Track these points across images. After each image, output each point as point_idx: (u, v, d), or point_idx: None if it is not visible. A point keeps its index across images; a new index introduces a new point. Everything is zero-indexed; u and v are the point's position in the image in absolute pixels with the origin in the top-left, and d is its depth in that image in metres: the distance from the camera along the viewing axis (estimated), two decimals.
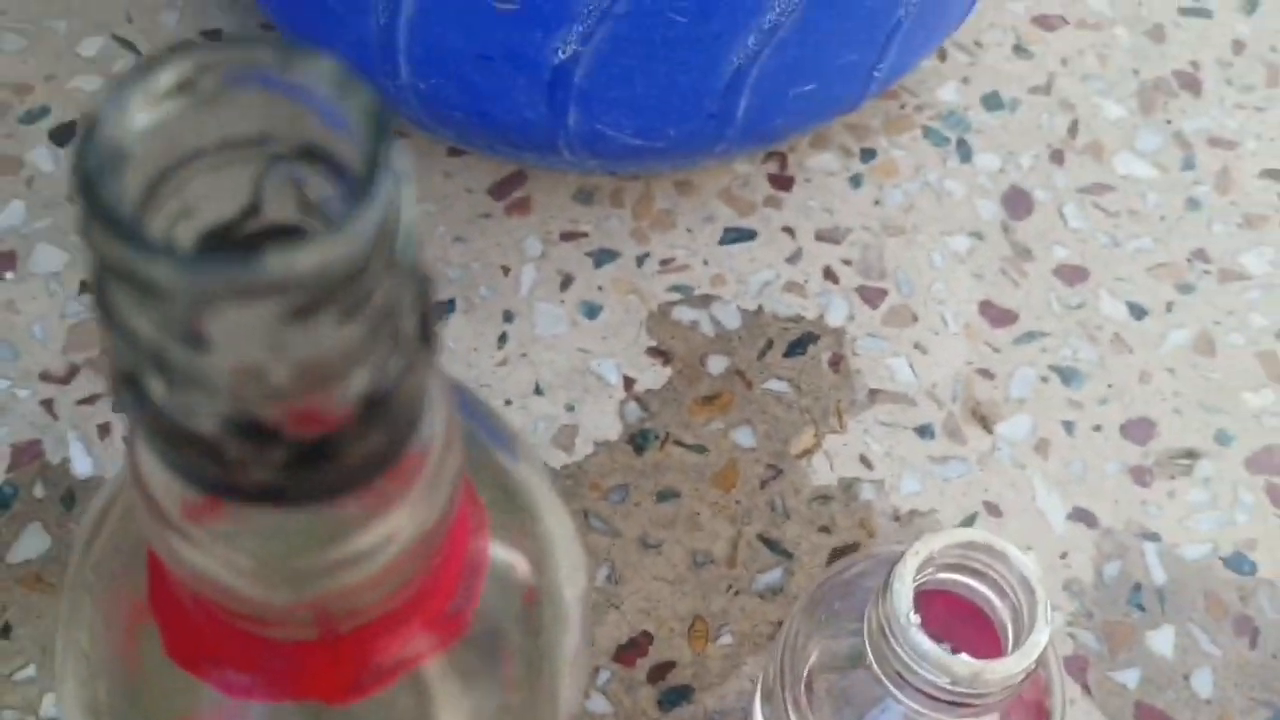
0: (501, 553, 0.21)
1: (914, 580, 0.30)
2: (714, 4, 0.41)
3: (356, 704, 0.19)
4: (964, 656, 0.30)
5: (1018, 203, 0.50)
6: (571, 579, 0.23)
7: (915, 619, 0.30)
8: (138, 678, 0.21)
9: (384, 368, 0.15)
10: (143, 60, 0.14)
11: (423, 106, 0.46)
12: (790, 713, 0.33)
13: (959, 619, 0.33)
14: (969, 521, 0.43)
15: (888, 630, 0.30)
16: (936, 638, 0.30)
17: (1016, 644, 0.30)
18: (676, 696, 0.40)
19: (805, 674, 0.34)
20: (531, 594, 0.22)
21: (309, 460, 0.15)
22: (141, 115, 0.14)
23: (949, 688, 0.30)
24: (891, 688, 0.31)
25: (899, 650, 0.30)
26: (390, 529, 0.17)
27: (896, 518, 0.43)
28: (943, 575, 0.32)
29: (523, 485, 0.23)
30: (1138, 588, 0.43)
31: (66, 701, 0.22)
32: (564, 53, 0.42)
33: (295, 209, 0.16)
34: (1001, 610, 0.32)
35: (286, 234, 0.16)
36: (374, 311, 0.14)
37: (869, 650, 0.31)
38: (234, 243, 0.16)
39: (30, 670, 0.40)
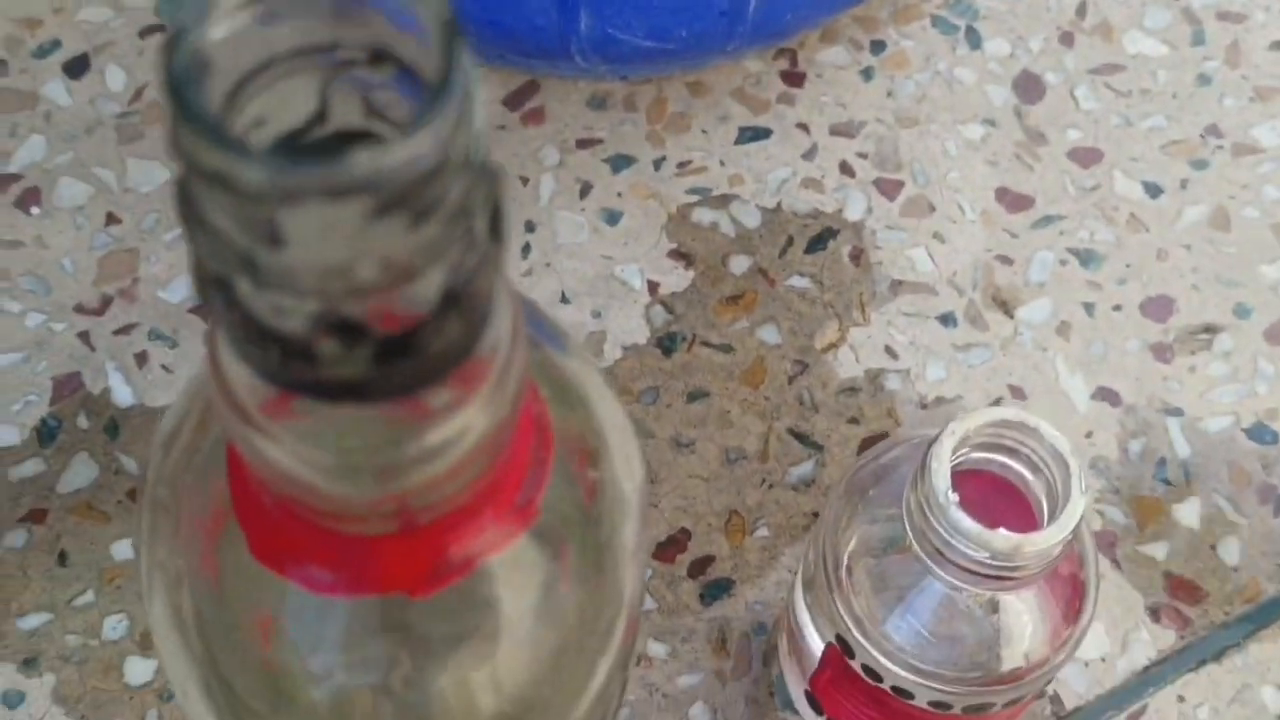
0: (562, 446, 0.22)
1: (950, 460, 0.31)
2: None
3: (434, 595, 0.20)
4: (1003, 531, 0.30)
5: (1029, 87, 0.50)
6: (628, 471, 0.24)
7: (954, 497, 0.31)
8: (221, 583, 0.22)
9: (460, 263, 0.15)
10: None
11: None
12: (832, 598, 0.34)
13: (993, 496, 0.33)
14: (994, 405, 0.44)
15: (927, 510, 0.31)
16: (973, 515, 0.31)
17: (1052, 516, 0.31)
18: (717, 590, 0.41)
19: (845, 559, 0.35)
20: (592, 486, 0.23)
21: (391, 355, 0.16)
22: (220, 25, 0.14)
23: (988, 562, 0.31)
24: (932, 565, 0.32)
25: (938, 529, 0.31)
26: (466, 421, 0.18)
27: (923, 405, 0.44)
28: (976, 455, 0.33)
29: (575, 379, 0.24)
30: (1162, 462, 0.44)
31: (155, 618, 0.23)
32: None
33: (360, 114, 0.17)
34: (1035, 485, 0.32)
35: (352, 139, 0.17)
36: (450, 209, 0.15)
37: (909, 531, 0.32)
38: (304, 149, 0.16)
39: (89, 595, 0.41)
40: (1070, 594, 0.34)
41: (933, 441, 0.31)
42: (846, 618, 0.34)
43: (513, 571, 0.21)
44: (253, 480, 0.19)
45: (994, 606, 0.33)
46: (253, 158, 0.13)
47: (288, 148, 0.16)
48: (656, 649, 0.40)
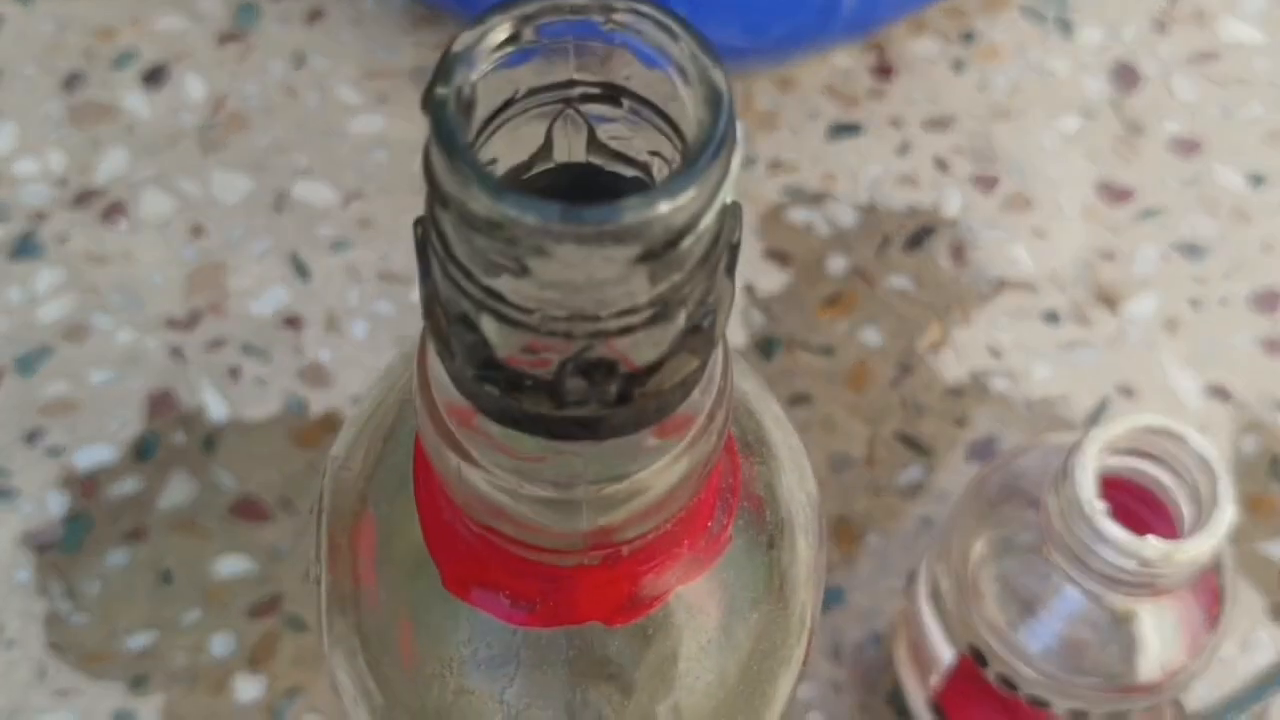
0: (743, 467, 0.22)
1: (1094, 467, 0.31)
2: None
3: (630, 625, 0.20)
4: (1153, 539, 0.30)
5: (1124, 77, 0.50)
6: (802, 483, 0.23)
7: (1101, 505, 0.30)
8: (394, 612, 0.22)
9: (702, 301, 0.15)
10: (476, 18, 0.14)
11: None
12: (967, 608, 0.34)
13: (1128, 501, 0.33)
14: (1102, 405, 0.43)
15: (1069, 517, 0.31)
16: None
17: (1197, 524, 0.31)
18: (830, 598, 0.41)
19: (972, 567, 0.34)
20: (769, 504, 0.22)
21: (628, 393, 0.15)
22: (478, 69, 0.14)
23: (1136, 570, 0.30)
24: (1073, 573, 0.31)
25: (1082, 537, 0.30)
26: (683, 453, 0.17)
27: (1030, 406, 0.43)
28: (1113, 461, 0.32)
29: (743, 395, 0.23)
30: (1275, 460, 0.43)
31: (333, 643, 0.22)
32: None
33: (583, 149, 0.16)
34: (1176, 492, 0.32)
35: (575, 172, 0.16)
36: (704, 251, 0.14)
37: (1048, 538, 0.32)
38: (528, 184, 0.16)
39: (195, 613, 0.40)
40: (1209, 600, 0.33)
41: (1074, 448, 0.31)
42: (981, 627, 0.33)
43: (703, 597, 0.21)
44: (448, 512, 0.19)
45: (1131, 614, 0.33)
46: (530, 206, 0.13)
47: (510, 185, 0.16)
48: None
